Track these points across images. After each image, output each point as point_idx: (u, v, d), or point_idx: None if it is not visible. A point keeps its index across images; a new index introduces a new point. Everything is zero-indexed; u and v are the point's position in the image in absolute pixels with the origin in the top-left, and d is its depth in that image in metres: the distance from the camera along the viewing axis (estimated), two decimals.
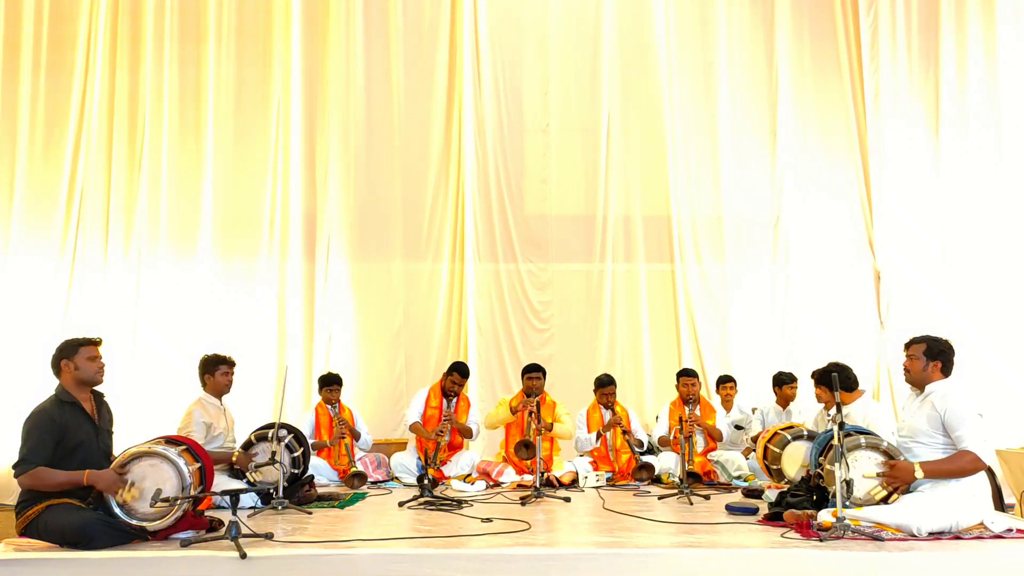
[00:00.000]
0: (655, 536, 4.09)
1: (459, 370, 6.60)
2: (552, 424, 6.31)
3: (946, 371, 4.15)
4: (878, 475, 4.01)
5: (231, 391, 5.58)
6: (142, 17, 7.83)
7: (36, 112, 7.67)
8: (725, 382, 7.01)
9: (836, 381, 4.22)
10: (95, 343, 4.07)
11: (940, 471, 3.95)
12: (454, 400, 6.57)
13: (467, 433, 6.63)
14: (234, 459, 5.25)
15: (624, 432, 6.42)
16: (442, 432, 6.33)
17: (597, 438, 6.52)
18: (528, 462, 6.11)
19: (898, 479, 3.98)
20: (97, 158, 7.68)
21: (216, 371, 5.45)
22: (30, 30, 7.71)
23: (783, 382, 6.68)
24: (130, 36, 7.82)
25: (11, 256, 7.48)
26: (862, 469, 4.04)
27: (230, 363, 5.52)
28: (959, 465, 3.93)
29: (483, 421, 6.81)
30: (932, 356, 4.15)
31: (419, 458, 6.15)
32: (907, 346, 4.27)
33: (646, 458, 6.48)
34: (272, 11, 7.97)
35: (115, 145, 7.71)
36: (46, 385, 4.04)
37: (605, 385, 6.66)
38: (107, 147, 7.72)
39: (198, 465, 3.96)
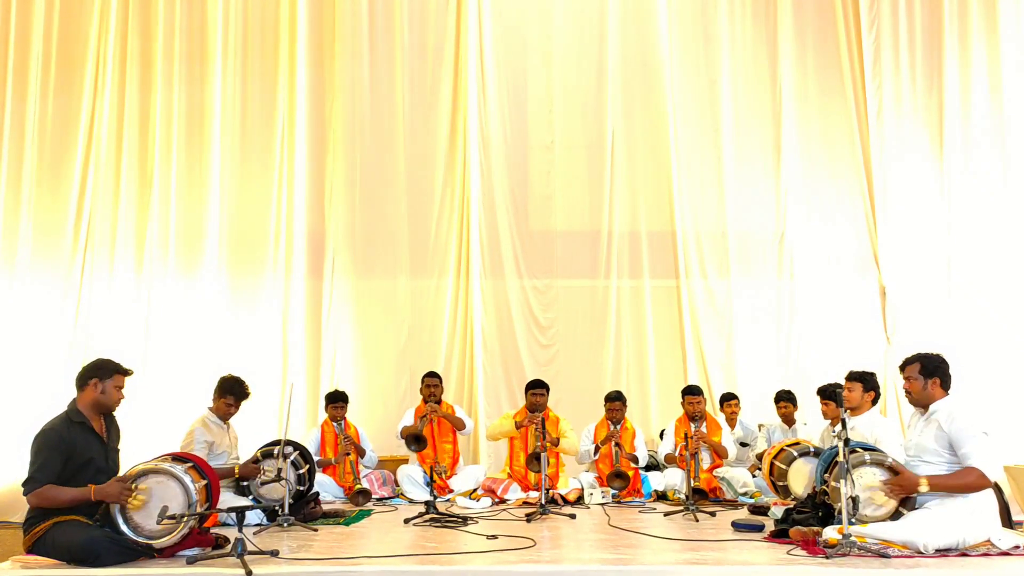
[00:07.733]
0: (661, 553, 4.09)
1: (429, 374, 6.84)
2: (558, 439, 6.32)
3: (945, 386, 4.12)
4: (882, 482, 4.00)
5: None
6: (150, 38, 7.89)
7: (44, 133, 7.72)
8: (728, 400, 7.02)
9: (840, 397, 4.22)
10: (127, 373, 4.06)
11: (945, 485, 3.94)
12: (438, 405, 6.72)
13: (459, 425, 6.71)
14: (237, 472, 5.18)
15: (616, 445, 6.44)
16: (426, 417, 6.49)
17: (596, 451, 6.54)
18: (534, 478, 6.12)
19: (902, 488, 3.97)
20: (105, 179, 7.72)
21: (221, 399, 5.38)
22: (39, 51, 7.77)
23: (777, 400, 6.69)
24: (139, 57, 7.88)
25: (20, 276, 7.49)
26: (867, 486, 4.03)
27: (238, 395, 5.36)
28: (964, 481, 3.91)
29: (486, 431, 6.95)
30: (928, 374, 4.11)
31: (424, 472, 6.14)
32: (902, 368, 4.24)
33: (650, 474, 6.48)
34: (278, 30, 8.03)
35: (123, 165, 7.75)
36: (54, 404, 4.05)
37: (611, 400, 6.67)
38: (115, 168, 7.75)
39: (204, 482, 3.97)
